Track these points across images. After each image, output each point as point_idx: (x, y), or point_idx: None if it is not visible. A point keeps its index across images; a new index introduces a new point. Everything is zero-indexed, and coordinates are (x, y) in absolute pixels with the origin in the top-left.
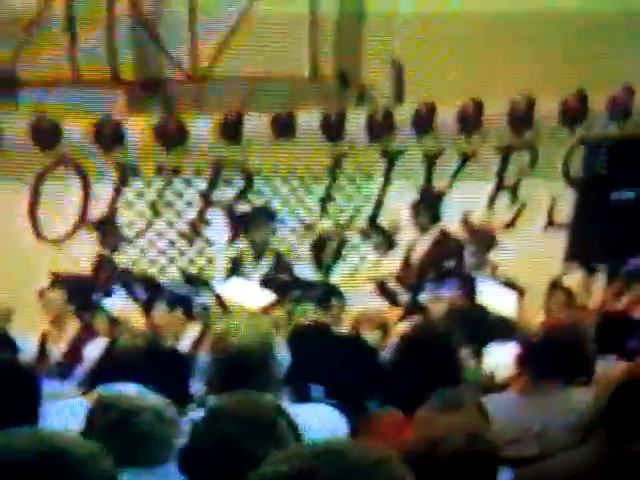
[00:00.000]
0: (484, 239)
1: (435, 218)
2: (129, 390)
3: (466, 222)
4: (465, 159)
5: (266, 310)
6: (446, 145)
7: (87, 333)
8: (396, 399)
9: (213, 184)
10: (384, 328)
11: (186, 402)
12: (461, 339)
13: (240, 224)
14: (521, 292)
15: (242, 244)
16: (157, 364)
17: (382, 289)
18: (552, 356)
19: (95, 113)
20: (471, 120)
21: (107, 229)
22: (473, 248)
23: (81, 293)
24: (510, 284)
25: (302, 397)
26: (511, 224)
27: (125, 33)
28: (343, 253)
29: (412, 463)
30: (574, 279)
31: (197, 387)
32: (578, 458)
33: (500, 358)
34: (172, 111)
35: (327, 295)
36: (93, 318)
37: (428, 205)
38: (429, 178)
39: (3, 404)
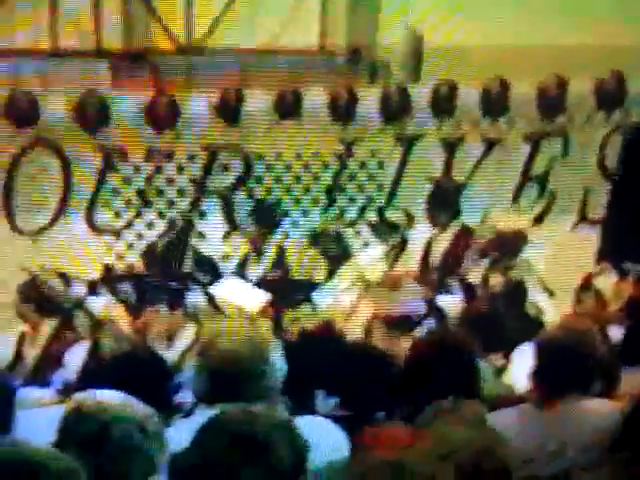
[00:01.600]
0: (512, 242)
1: (453, 214)
2: (110, 398)
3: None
4: (490, 146)
5: (262, 312)
6: (468, 130)
7: (66, 335)
8: (405, 411)
9: (208, 170)
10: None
11: (171, 411)
12: (480, 346)
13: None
14: (551, 293)
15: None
16: (139, 371)
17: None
18: (563, 366)
19: (78, 88)
20: (496, 102)
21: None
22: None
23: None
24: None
25: (303, 408)
26: (539, 219)
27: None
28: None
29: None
30: (608, 281)
31: (184, 395)
32: None
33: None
34: (163, 87)
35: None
36: (73, 319)
37: (445, 199)
38: (448, 167)
39: None
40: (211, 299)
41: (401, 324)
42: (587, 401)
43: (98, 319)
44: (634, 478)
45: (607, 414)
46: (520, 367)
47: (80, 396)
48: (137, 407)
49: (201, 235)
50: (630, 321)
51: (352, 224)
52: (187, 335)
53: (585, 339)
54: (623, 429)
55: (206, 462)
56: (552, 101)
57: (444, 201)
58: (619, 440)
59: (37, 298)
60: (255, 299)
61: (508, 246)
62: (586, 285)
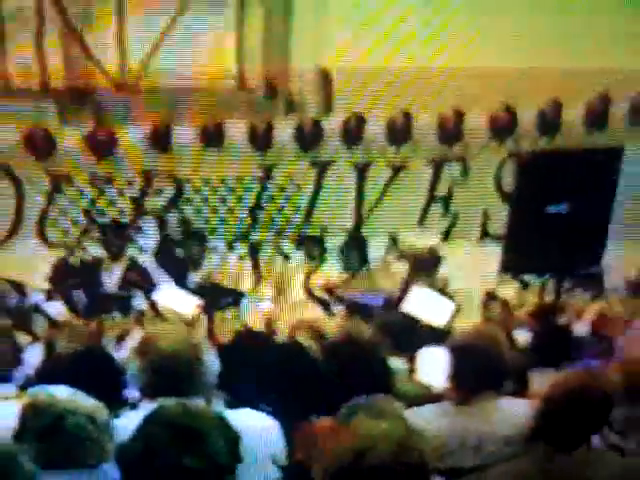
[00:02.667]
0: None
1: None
2: (62, 392)
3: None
4: (396, 170)
5: (195, 316)
6: (376, 156)
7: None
8: (330, 406)
9: (144, 193)
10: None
11: (119, 405)
12: (390, 347)
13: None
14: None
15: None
16: (91, 368)
17: (314, 297)
18: (475, 367)
19: (27, 121)
20: (401, 131)
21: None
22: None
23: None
24: (445, 293)
25: (236, 402)
26: (445, 236)
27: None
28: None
29: (338, 473)
30: (509, 290)
31: (131, 390)
32: (517, 469)
33: (434, 365)
34: (101, 120)
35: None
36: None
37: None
38: (360, 188)
39: None
40: (153, 305)
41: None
42: (501, 399)
43: (53, 322)
44: (548, 467)
45: (520, 411)
46: (428, 368)
47: (35, 391)
48: (87, 400)
49: (140, 249)
50: (537, 327)
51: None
52: (135, 337)
53: (494, 343)
54: (537, 424)
55: (148, 451)
56: (450, 131)
57: (356, 248)
58: (534, 433)
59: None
60: (190, 304)
61: (425, 265)
62: (491, 295)
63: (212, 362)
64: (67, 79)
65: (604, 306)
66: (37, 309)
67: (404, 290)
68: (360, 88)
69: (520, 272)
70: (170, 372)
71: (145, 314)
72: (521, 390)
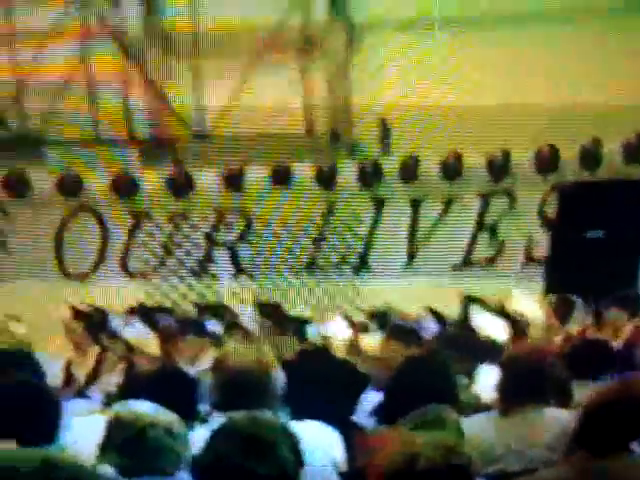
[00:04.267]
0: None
1: None
2: (142, 407)
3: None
4: (448, 203)
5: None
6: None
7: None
8: (394, 418)
9: (216, 227)
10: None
11: (194, 419)
12: (456, 362)
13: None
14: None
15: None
16: (169, 385)
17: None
18: (523, 380)
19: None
20: (453, 169)
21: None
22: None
23: (98, 323)
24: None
25: (299, 415)
26: (492, 260)
27: (139, 97)
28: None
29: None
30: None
31: (203, 405)
32: (558, 474)
33: (489, 380)
34: (180, 165)
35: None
36: (113, 345)
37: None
38: (415, 220)
39: (25, 421)
40: (230, 327)
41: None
42: (545, 409)
43: (132, 345)
44: (588, 474)
45: (561, 420)
46: (483, 382)
47: (118, 407)
48: (165, 414)
49: (213, 276)
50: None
51: (336, 265)
52: (207, 357)
53: (539, 357)
54: (578, 432)
55: (220, 460)
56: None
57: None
58: (575, 442)
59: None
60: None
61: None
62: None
63: (279, 378)
64: (150, 129)
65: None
66: (118, 333)
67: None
68: (415, 130)
69: (562, 294)
70: (241, 388)
71: (219, 337)
72: (565, 400)
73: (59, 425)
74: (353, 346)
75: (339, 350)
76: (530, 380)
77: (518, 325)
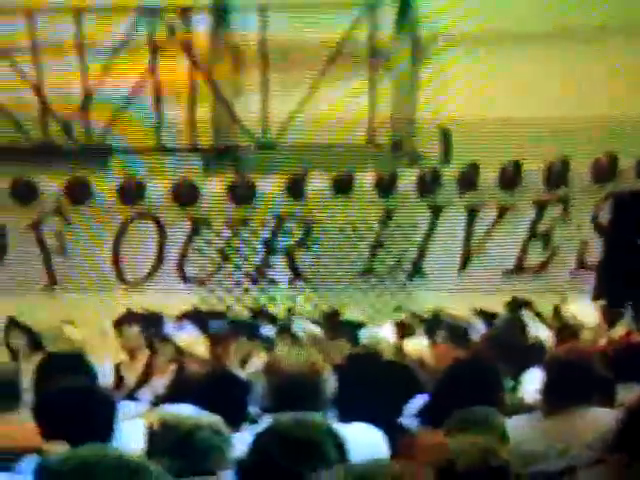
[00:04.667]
0: None
1: None
2: (185, 411)
3: None
4: (503, 211)
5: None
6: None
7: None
8: (440, 421)
9: (275, 233)
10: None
11: (244, 420)
12: (503, 364)
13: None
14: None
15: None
16: (220, 388)
17: None
18: (566, 381)
19: (175, 175)
20: (511, 178)
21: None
22: None
23: (152, 327)
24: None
25: (348, 418)
26: (544, 266)
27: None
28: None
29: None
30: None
31: (253, 407)
32: (597, 475)
33: (535, 383)
34: (243, 173)
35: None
36: (163, 348)
37: None
38: (470, 227)
39: (83, 423)
40: (283, 331)
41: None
42: (587, 409)
43: (183, 348)
44: (629, 475)
45: (604, 420)
46: (529, 385)
47: (161, 410)
48: (208, 416)
49: (272, 281)
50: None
51: (391, 270)
52: (259, 360)
53: (583, 359)
54: (619, 433)
55: (263, 462)
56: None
57: None
58: (616, 442)
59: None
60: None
61: None
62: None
63: (329, 381)
64: (213, 137)
65: None
66: (169, 337)
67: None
68: (475, 139)
69: (612, 299)
70: (291, 390)
71: (271, 341)
72: (609, 402)
73: (114, 427)
74: (399, 350)
75: (389, 354)
76: (573, 380)
77: (570, 328)
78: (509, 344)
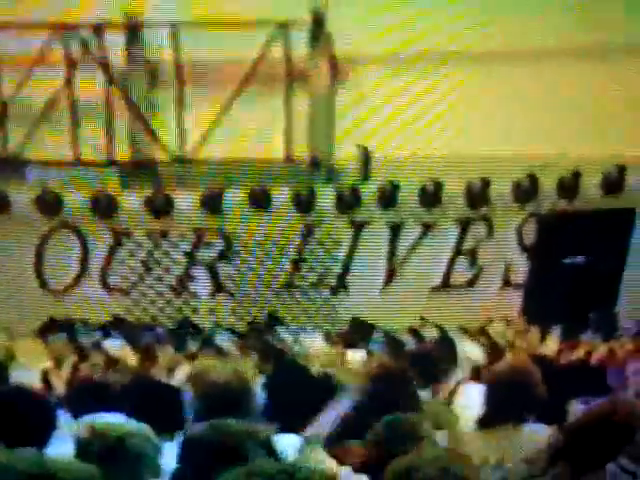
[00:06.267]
0: None
1: None
2: (115, 419)
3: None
4: (426, 229)
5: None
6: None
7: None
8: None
9: (196, 246)
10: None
11: (177, 429)
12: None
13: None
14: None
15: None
16: (148, 396)
17: None
18: (503, 396)
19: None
20: (431, 197)
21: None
22: None
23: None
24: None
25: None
26: (471, 284)
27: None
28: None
29: None
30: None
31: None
32: None
33: (472, 397)
34: (160, 187)
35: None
36: (90, 356)
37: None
38: (393, 246)
39: (17, 426)
40: (207, 342)
41: None
42: (525, 424)
43: (111, 357)
44: None
45: (541, 436)
46: (466, 401)
47: (91, 418)
48: (137, 424)
49: (193, 294)
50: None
51: (314, 285)
52: (184, 370)
53: (526, 376)
54: (560, 447)
55: (191, 467)
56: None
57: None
58: (556, 455)
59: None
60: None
61: None
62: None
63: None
64: (131, 153)
65: (614, 345)
66: (95, 345)
67: None
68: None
69: (539, 317)
70: (220, 399)
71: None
72: (558, 419)
73: (50, 430)
74: (331, 360)
75: (317, 364)
76: (511, 396)
77: (498, 346)
78: (438, 361)
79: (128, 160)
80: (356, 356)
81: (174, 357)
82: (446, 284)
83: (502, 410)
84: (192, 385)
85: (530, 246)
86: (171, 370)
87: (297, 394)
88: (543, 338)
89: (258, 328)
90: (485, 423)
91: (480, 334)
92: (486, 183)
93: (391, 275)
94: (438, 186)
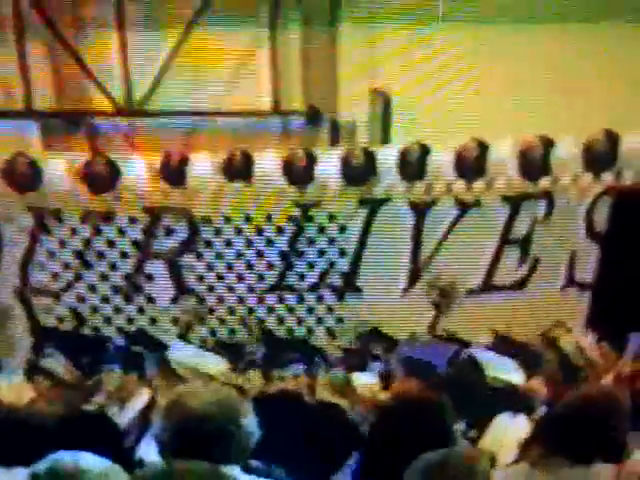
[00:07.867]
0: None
1: None
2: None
3: None
4: (464, 209)
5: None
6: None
7: None
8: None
9: (151, 233)
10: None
11: (132, 466)
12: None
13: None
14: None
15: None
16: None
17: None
18: (574, 431)
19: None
20: (473, 164)
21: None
22: None
23: None
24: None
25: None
26: (522, 283)
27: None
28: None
29: None
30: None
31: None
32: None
33: (508, 431)
34: (99, 149)
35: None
36: None
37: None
38: (418, 232)
39: None
40: (166, 363)
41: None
42: (591, 466)
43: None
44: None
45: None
46: (499, 436)
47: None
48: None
49: (150, 299)
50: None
51: (313, 289)
52: (142, 399)
53: (604, 406)
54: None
55: None
56: (535, 162)
57: None
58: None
59: None
60: (215, 363)
61: None
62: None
63: (251, 426)
64: (56, 98)
65: None
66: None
67: None
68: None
69: (610, 327)
70: (199, 433)
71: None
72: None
73: None
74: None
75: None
76: (579, 433)
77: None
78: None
79: (53, 110)
80: (366, 380)
81: (124, 381)
82: (488, 285)
83: (568, 447)
84: (164, 415)
85: (603, 233)
86: (123, 399)
87: (293, 432)
88: (618, 355)
89: (239, 345)
90: (539, 460)
91: (548, 345)
92: (549, 142)
93: (416, 273)
94: (483, 148)
